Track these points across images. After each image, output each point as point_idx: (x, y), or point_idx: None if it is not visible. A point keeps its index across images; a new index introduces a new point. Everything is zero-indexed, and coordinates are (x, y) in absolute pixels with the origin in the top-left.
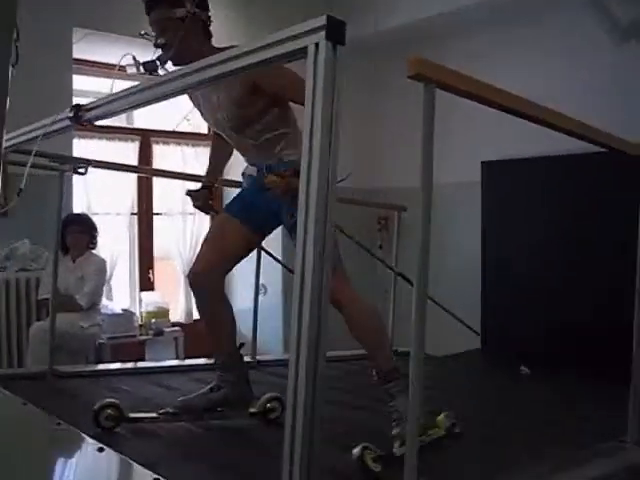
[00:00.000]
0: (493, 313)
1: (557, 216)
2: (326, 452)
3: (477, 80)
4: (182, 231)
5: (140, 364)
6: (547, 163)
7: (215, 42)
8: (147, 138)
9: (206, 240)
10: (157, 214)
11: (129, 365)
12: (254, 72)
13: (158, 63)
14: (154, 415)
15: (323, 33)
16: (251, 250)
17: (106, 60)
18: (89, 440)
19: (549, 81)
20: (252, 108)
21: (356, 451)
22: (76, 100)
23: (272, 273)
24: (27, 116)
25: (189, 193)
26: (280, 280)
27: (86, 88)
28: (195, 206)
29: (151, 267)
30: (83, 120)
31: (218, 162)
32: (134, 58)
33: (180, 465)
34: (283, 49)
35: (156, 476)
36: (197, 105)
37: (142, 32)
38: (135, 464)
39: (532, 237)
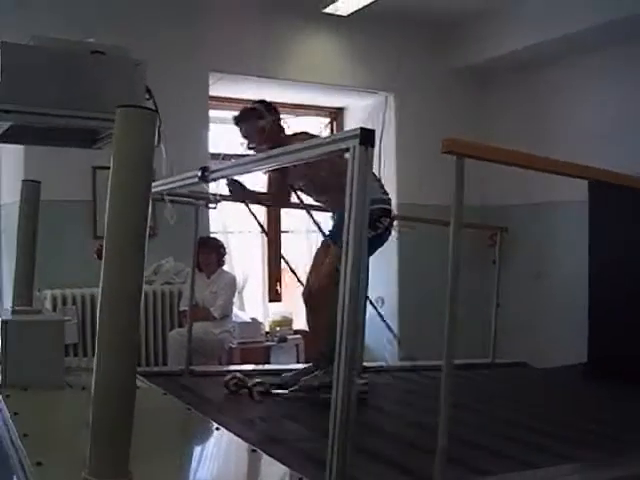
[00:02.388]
0: (600, 329)
1: None
2: None
3: (496, 148)
4: (306, 247)
5: (265, 366)
6: None
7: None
8: None
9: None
10: (285, 232)
11: (256, 367)
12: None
13: None
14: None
15: (357, 140)
16: None
17: (236, 95)
18: (210, 421)
19: None
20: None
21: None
22: (212, 127)
23: (389, 286)
24: (172, 142)
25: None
26: (396, 292)
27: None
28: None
29: (279, 281)
30: (208, 179)
31: None
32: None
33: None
34: (332, 147)
35: (253, 448)
36: None
37: (241, 142)
38: (241, 440)
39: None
